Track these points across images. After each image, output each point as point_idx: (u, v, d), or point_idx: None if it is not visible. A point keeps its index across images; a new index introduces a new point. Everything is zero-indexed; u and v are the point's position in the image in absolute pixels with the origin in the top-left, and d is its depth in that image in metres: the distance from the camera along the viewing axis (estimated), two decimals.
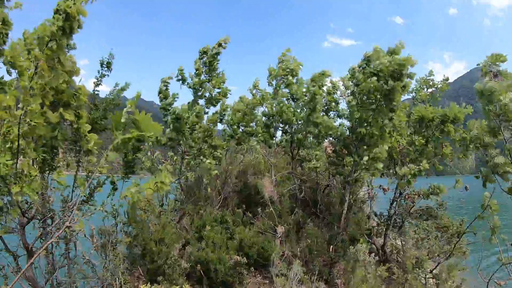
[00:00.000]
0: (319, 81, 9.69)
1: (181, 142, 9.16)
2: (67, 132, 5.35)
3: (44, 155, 5.41)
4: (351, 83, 8.66)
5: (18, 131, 3.01)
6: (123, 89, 8.17)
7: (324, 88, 10.10)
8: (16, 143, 3.11)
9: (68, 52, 6.92)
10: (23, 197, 4.75)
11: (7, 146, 3.18)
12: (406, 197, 9.62)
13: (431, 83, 10.88)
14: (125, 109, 2.52)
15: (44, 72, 2.93)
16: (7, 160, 3.21)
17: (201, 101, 9.46)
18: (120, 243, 7.37)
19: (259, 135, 10.87)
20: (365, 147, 8.08)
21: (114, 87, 8.16)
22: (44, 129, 3.14)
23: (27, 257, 5.32)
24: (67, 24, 2.97)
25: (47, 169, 5.92)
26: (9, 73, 4.94)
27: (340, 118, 10.37)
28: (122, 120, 2.49)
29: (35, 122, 2.98)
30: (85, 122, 4.63)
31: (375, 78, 7.52)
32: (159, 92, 9.27)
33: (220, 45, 9.12)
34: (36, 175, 3.53)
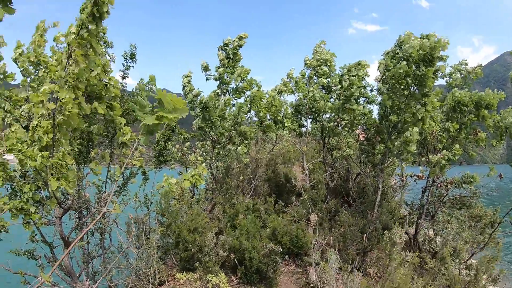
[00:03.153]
0: (356, 71, 9.68)
1: (211, 131, 9.19)
2: (101, 126, 5.39)
3: (79, 147, 5.47)
4: (382, 70, 8.50)
5: (54, 122, 3.00)
6: (151, 82, 8.19)
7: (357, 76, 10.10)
8: (51, 135, 3.11)
9: (105, 50, 7.03)
10: (60, 189, 4.81)
11: (42, 139, 3.18)
12: (439, 185, 9.42)
13: (464, 70, 10.62)
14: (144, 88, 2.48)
15: (79, 58, 2.90)
16: (42, 152, 3.22)
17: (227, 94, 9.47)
18: (153, 232, 7.43)
19: (289, 123, 10.84)
20: (397, 134, 7.93)
21: (140, 82, 8.19)
22: (78, 119, 3.12)
23: (64, 247, 5.39)
24: (95, 9, 2.94)
25: (82, 161, 6.00)
26: (27, 72, 4.98)
27: (370, 104, 10.28)
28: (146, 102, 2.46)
29: (69, 112, 2.96)
30: (119, 114, 4.64)
31: (404, 62, 7.37)
32: (184, 87, 9.31)
33: (240, 38, 9.11)
34: (72, 164, 3.54)
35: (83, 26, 2.92)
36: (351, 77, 9.41)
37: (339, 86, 10.09)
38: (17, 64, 5.02)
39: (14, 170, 3.83)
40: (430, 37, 7.37)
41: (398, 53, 7.89)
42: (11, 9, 1.98)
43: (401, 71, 7.37)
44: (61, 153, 3.24)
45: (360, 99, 10.13)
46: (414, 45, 7.32)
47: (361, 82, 9.90)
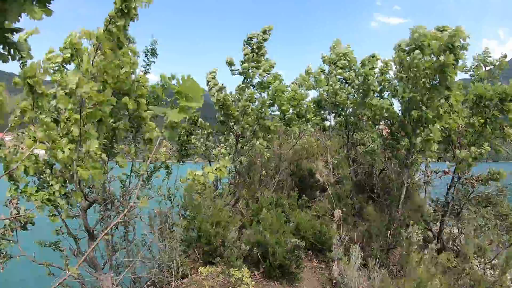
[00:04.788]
0: (370, 64, 9.64)
1: (234, 126, 9.23)
2: (127, 122, 5.45)
3: (105, 141, 5.54)
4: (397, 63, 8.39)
5: (80, 113, 3.02)
6: (172, 78, 8.22)
7: (377, 69, 9.99)
8: (78, 128, 3.13)
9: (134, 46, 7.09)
10: (88, 181, 4.86)
11: (74, 131, 3.21)
12: (465, 182, 9.21)
13: (488, 61, 10.33)
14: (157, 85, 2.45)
15: (107, 51, 2.92)
16: (69, 143, 3.25)
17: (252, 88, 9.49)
18: (177, 226, 7.48)
19: (312, 118, 10.79)
20: (422, 128, 7.78)
21: (161, 79, 8.22)
22: (108, 108, 3.13)
23: (88, 240, 5.46)
24: (124, 5, 2.94)
25: (107, 155, 6.07)
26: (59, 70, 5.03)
27: (394, 98, 10.12)
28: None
29: (97, 101, 2.97)
30: (144, 110, 4.69)
31: (417, 51, 7.26)
32: (208, 82, 9.37)
33: (265, 32, 9.09)
34: (100, 154, 3.57)
35: (111, 21, 2.95)
36: (366, 69, 9.33)
37: (357, 80, 10.01)
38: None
39: (45, 163, 3.88)
40: (446, 28, 7.26)
41: (412, 46, 7.76)
42: (49, 10, 1.96)
43: (416, 60, 7.27)
44: (91, 143, 3.27)
45: (385, 92, 10.00)
46: (426, 33, 7.26)
47: (384, 76, 9.78)
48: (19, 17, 1.75)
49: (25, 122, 3.42)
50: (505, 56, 10.27)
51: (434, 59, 7.20)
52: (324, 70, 11.51)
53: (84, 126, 3.15)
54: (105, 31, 2.97)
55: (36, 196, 3.89)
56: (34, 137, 3.13)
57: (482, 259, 8.31)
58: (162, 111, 2.51)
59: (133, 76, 4.64)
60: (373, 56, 10.15)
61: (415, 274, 6.85)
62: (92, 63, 3.09)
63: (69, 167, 3.52)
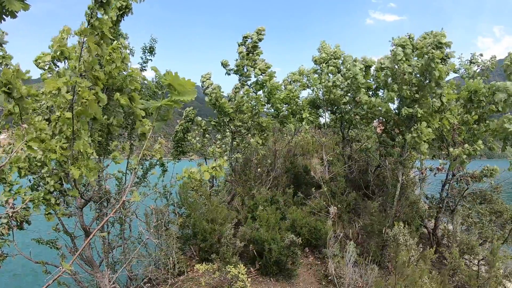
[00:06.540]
0: (358, 65, 9.80)
1: (230, 124, 9.27)
2: (121, 119, 5.43)
3: (100, 138, 5.52)
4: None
5: (72, 111, 3.01)
6: (156, 73, 8.24)
7: (373, 67, 10.06)
8: (70, 127, 3.13)
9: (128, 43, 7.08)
10: (82, 180, 4.85)
11: (66, 131, 3.20)
12: (460, 179, 9.24)
13: (479, 61, 10.39)
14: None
15: (91, 46, 2.90)
16: (63, 143, 3.24)
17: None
18: (172, 223, 7.48)
19: (307, 115, 10.84)
20: (415, 126, 7.82)
21: (156, 75, 8.23)
22: (96, 107, 3.13)
23: (85, 238, 5.45)
24: None
25: (102, 152, 6.06)
26: (50, 69, 4.99)
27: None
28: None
29: (86, 100, 2.97)
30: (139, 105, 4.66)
31: (400, 48, 7.45)
32: (203, 82, 9.41)
33: (259, 32, 9.19)
34: (92, 153, 3.56)
35: (92, 15, 2.92)
36: (354, 69, 9.42)
37: (346, 82, 10.08)
38: (37, 66, 5.03)
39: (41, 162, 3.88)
40: (435, 33, 7.39)
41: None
42: (26, 4, 1.98)
43: (400, 57, 7.38)
44: (81, 143, 3.27)
45: (380, 90, 10.03)
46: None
47: (379, 73, 9.84)
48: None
49: (14, 123, 3.42)
50: (495, 57, 10.38)
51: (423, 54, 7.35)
52: (317, 70, 11.58)
53: (76, 124, 3.15)
54: (88, 26, 2.94)
55: (31, 196, 3.89)
56: (25, 142, 3.12)
57: (472, 256, 8.36)
58: (152, 103, 2.52)
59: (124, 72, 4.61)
60: (355, 61, 10.37)
61: (405, 270, 6.89)
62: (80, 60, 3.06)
63: (64, 165, 3.52)
